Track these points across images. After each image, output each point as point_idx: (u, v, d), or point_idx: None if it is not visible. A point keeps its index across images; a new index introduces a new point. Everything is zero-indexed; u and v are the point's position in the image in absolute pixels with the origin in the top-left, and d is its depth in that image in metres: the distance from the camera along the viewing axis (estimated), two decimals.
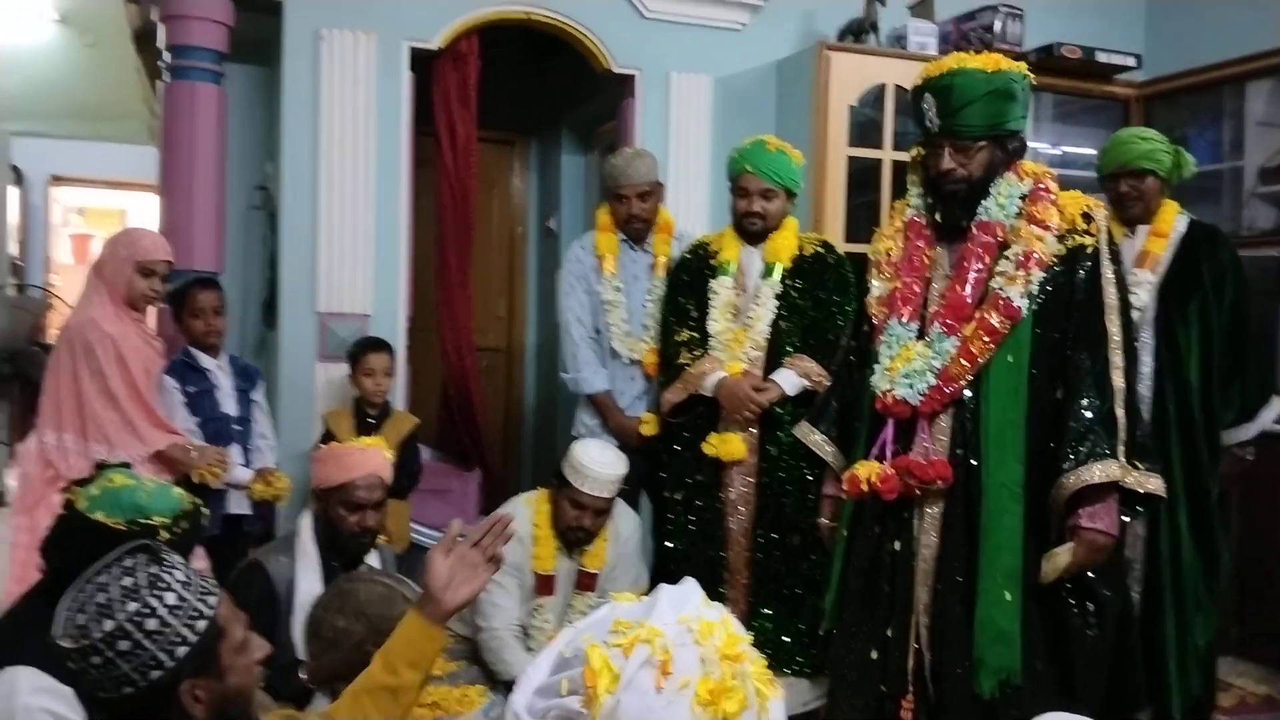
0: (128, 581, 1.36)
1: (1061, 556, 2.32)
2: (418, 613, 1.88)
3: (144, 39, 4.88)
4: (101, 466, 2.07)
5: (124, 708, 1.38)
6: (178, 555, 1.45)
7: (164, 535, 1.92)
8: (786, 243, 3.42)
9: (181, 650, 1.36)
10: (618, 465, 3.24)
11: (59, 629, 1.36)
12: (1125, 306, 2.43)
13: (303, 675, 2.70)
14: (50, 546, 1.95)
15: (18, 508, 3.17)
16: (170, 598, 1.37)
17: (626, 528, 3.42)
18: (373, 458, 2.91)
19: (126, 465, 2.14)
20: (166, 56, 4.14)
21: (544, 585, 3.30)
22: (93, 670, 1.35)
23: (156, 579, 1.37)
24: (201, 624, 1.39)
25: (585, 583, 3.33)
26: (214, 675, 1.41)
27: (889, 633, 2.49)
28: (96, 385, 3.14)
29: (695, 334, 3.45)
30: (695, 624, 1.01)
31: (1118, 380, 2.34)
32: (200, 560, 3.13)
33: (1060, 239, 2.41)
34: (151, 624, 1.35)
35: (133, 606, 1.34)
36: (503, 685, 3.15)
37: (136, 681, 1.35)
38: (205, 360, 3.64)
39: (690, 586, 1.06)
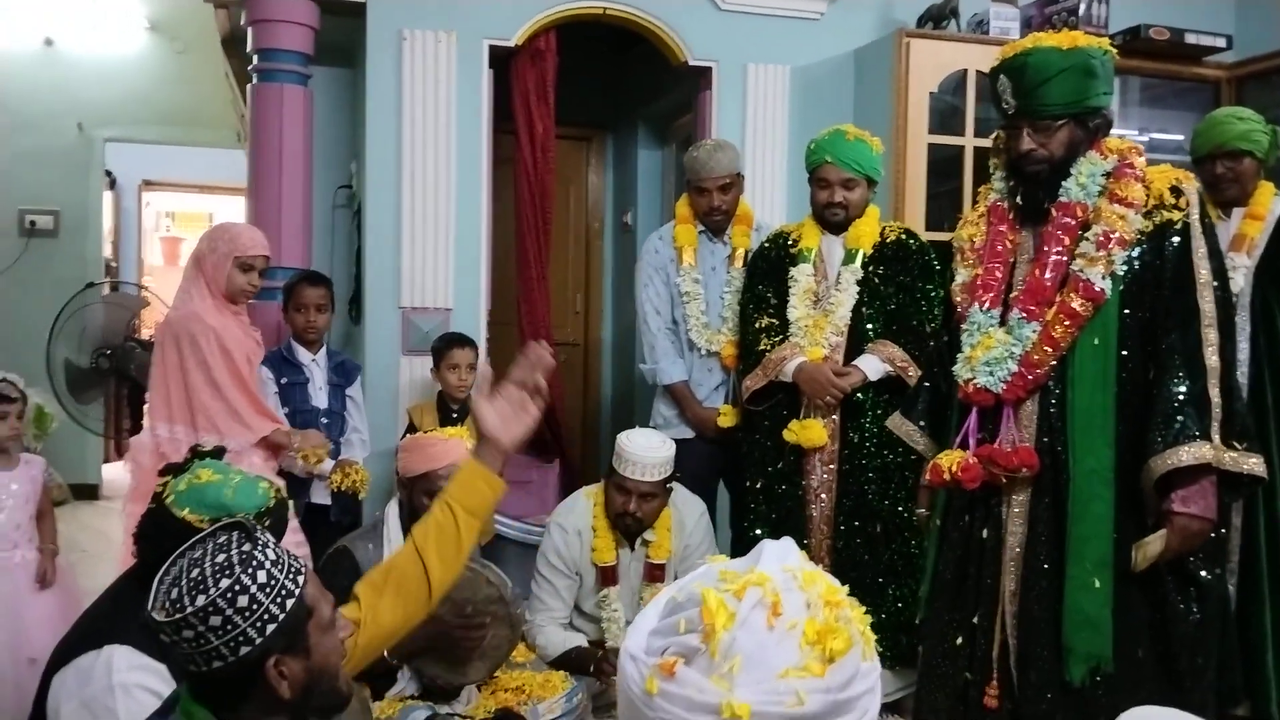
0: (221, 558, 1.40)
1: (1153, 544, 2.27)
2: (476, 459, 1.90)
3: (232, 44, 5.02)
4: (195, 453, 2.12)
5: (212, 681, 1.42)
6: (270, 535, 1.48)
7: None
8: (868, 229, 3.40)
9: (270, 627, 1.40)
10: (660, 449, 3.22)
11: (154, 603, 1.40)
12: (1222, 282, 2.34)
13: (385, 652, 2.76)
14: (140, 537, 2.02)
15: (133, 496, 3.27)
16: (261, 576, 1.40)
17: (691, 516, 3.43)
18: (455, 448, 2.97)
19: (220, 451, 2.20)
20: (255, 60, 4.25)
21: (606, 576, 3.34)
22: (185, 644, 1.39)
23: (249, 557, 1.41)
24: (290, 602, 1.42)
25: (653, 574, 3.35)
26: (301, 653, 1.45)
27: (975, 620, 2.47)
28: (202, 376, 3.23)
29: (775, 321, 3.45)
30: (799, 573, 1.06)
31: (1211, 358, 2.26)
32: (300, 548, 3.22)
33: (1147, 215, 2.34)
34: (243, 601, 1.38)
35: (225, 583, 1.38)
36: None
37: (226, 656, 1.38)
38: (302, 354, 3.77)
39: (789, 543, 1.10)
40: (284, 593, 1.42)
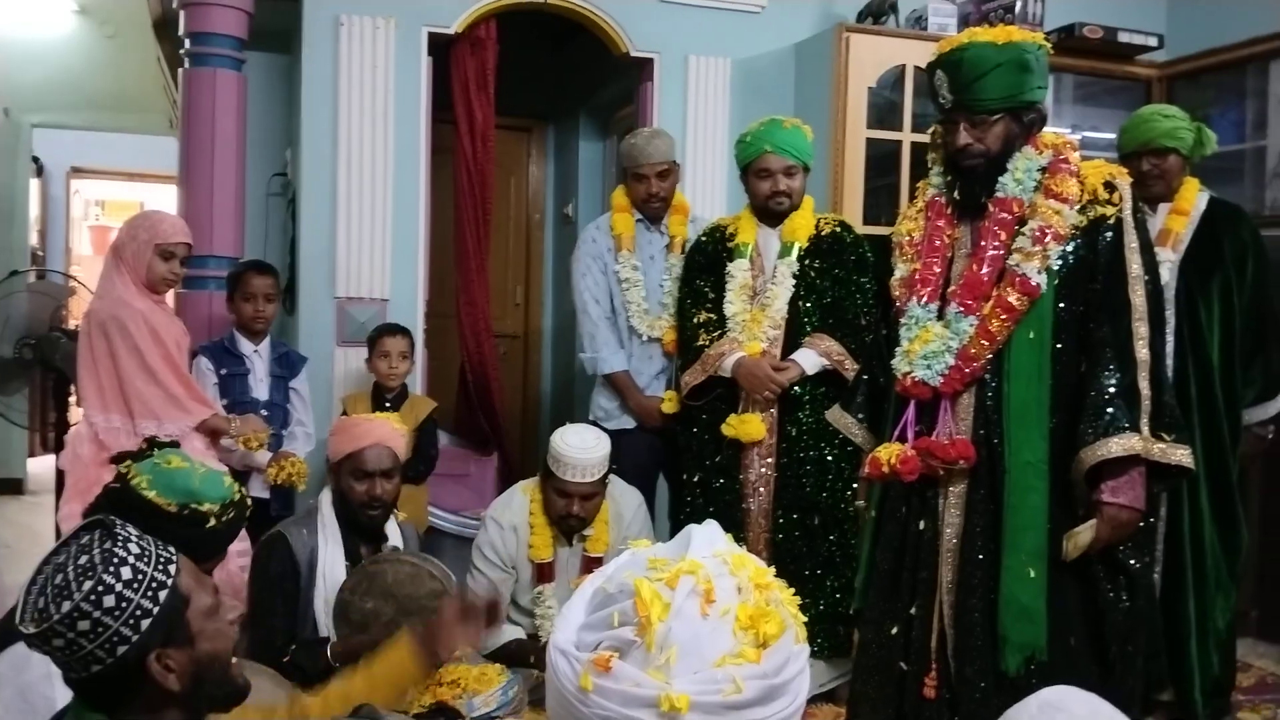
0: (83, 560, 1.36)
1: (1083, 534, 2.31)
2: (414, 649, 2.02)
3: (164, 27, 4.91)
4: (151, 443, 2.09)
5: (95, 686, 1.38)
6: (133, 528, 1.44)
7: (212, 522, 1.95)
8: (804, 222, 3.41)
9: (145, 622, 1.36)
10: (597, 447, 3.19)
11: (21, 615, 1.36)
12: (1153, 276, 2.38)
13: (329, 655, 2.73)
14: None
15: (70, 495, 3.18)
16: (126, 572, 1.36)
17: (629, 508, 3.41)
18: (380, 427, 2.97)
19: (175, 444, 2.17)
20: (187, 44, 4.15)
21: (543, 573, 3.31)
22: (58, 652, 1.35)
23: (110, 555, 1.37)
24: (163, 594, 1.38)
25: (591, 569, 3.32)
26: (183, 643, 1.41)
27: (913, 611, 2.49)
28: (135, 363, 3.16)
29: (713, 316, 3.45)
30: (728, 557, 1.07)
31: (1141, 351, 2.31)
32: (241, 540, 3.17)
33: (1081, 210, 2.37)
34: (109, 600, 1.34)
35: (88, 585, 1.34)
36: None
37: (104, 659, 1.35)
38: (244, 345, 3.71)
39: (715, 527, 1.10)
40: (154, 585, 1.38)
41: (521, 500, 3.35)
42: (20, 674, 1.85)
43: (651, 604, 1.01)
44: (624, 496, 3.42)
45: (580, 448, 3.16)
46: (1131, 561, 2.37)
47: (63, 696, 1.79)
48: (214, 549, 2.13)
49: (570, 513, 3.20)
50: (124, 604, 1.35)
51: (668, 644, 1.00)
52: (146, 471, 1.99)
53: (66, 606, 1.33)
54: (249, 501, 2.19)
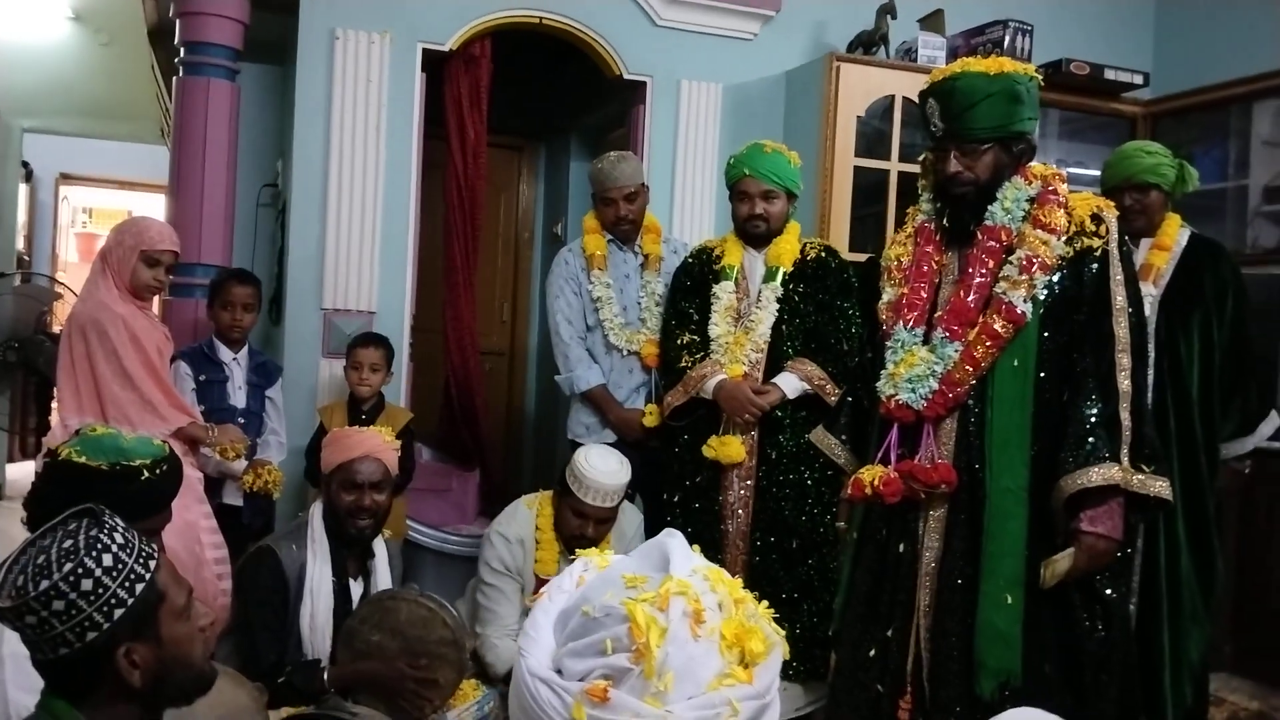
0: (67, 544, 1.37)
1: (1061, 562, 2.32)
2: None
3: (159, 36, 4.91)
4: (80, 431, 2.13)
5: (60, 670, 1.39)
6: (120, 519, 1.45)
7: (146, 475, 1.96)
8: (789, 246, 3.44)
9: (118, 612, 1.37)
10: (620, 474, 3.20)
11: None
12: (1137, 308, 2.40)
13: (326, 678, 2.72)
14: (33, 497, 1.99)
15: None
16: (107, 559, 1.37)
17: (630, 526, 3.42)
18: (370, 438, 2.98)
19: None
20: (182, 53, 4.16)
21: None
22: (28, 630, 1.36)
23: (95, 541, 1.38)
24: (139, 586, 1.39)
25: None
26: (152, 640, 1.41)
27: (889, 633, 2.50)
28: (112, 367, 3.15)
29: (696, 337, 3.47)
30: (707, 573, 1.05)
31: (1123, 383, 2.33)
32: (220, 549, 3.15)
33: (1068, 241, 2.39)
34: (86, 584, 1.35)
35: (68, 567, 1.35)
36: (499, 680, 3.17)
37: (72, 643, 1.35)
38: (223, 353, 3.71)
39: (681, 538, 1.08)
40: (132, 577, 1.39)
41: (526, 514, 3.34)
42: None
43: (649, 629, 0.98)
44: (625, 515, 3.41)
45: (604, 471, 3.16)
46: (1108, 591, 2.38)
47: (14, 682, 1.80)
48: (152, 505, 2.15)
49: (584, 533, 3.19)
50: (100, 590, 1.36)
51: (664, 670, 0.98)
52: (74, 444, 2.05)
53: (44, 585, 1.34)
54: (181, 463, 2.21)
